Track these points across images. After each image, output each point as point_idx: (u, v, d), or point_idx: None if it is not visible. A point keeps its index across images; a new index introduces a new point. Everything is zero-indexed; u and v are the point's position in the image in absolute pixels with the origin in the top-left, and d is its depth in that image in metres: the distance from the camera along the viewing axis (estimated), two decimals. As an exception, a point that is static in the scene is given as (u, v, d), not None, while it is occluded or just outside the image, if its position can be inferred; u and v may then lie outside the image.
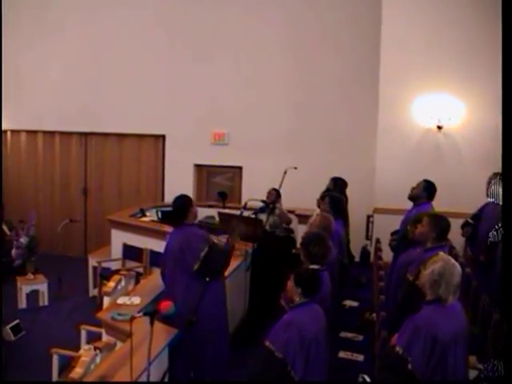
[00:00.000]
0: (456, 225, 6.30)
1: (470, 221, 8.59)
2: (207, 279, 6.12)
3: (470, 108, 10.63)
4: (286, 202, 9.80)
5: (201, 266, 6.32)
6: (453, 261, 4.60)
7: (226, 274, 7.04)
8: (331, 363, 5.62)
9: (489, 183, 7.90)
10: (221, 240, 6.93)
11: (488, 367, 6.05)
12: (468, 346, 4.71)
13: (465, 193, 10.27)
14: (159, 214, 10.67)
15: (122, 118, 12.92)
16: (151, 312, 4.72)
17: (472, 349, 5.87)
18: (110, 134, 13.26)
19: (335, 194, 8.39)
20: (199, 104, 12.52)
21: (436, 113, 10.62)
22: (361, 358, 6.53)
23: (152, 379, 4.81)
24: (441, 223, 6.02)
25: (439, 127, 10.66)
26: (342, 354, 6.57)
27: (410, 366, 4.34)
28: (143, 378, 4.74)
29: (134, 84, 12.77)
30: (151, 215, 11.20)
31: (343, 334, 7.16)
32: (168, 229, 8.24)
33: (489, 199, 8.04)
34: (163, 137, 12.99)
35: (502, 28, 4.01)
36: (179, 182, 12.48)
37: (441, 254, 4.83)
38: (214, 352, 6.52)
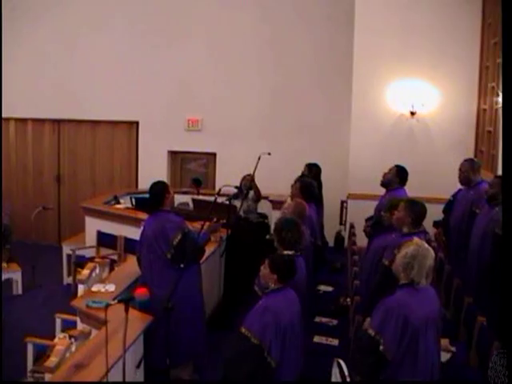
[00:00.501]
0: (429, 210, 6.34)
1: (439, 220, 8.70)
2: (182, 266, 6.13)
3: (444, 94, 10.68)
4: (260, 188, 9.83)
5: (174, 253, 6.34)
6: (426, 245, 4.64)
7: (201, 260, 7.07)
8: (306, 348, 5.65)
9: (461, 169, 7.96)
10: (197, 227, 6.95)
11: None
12: (441, 329, 4.76)
13: (438, 178, 10.34)
14: (133, 200, 10.64)
15: (96, 104, 12.83)
16: (126, 299, 4.72)
17: (445, 332, 5.96)
18: (83, 121, 13.17)
19: (306, 180, 8.42)
20: (173, 90, 12.50)
21: (409, 99, 10.66)
22: (335, 342, 6.55)
23: (128, 366, 4.81)
24: (417, 208, 6.08)
25: (412, 113, 10.70)
26: (316, 339, 6.58)
27: (381, 348, 4.38)
28: (119, 366, 4.74)
29: (107, 70, 12.70)
30: (125, 202, 11.16)
31: (318, 319, 7.17)
32: (142, 216, 8.23)
33: (461, 185, 8.11)
34: (137, 123, 12.95)
35: (502, 25, 4.01)
36: (153, 168, 12.46)
37: (415, 238, 4.87)
38: (189, 338, 6.56)
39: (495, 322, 6.08)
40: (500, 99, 9.17)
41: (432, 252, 4.58)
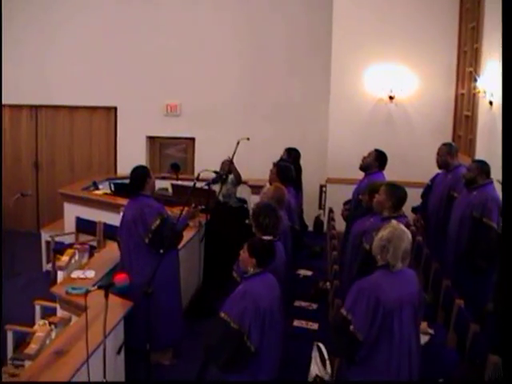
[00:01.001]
0: (407, 194, 6.37)
1: (417, 206, 8.78)
2: (161, 251, 6.13)
3: (422, 79, 10.74)
4: (240, 173, 9.84)
5: (152, 238, 6.36)
6: (403, 227, 4.65)
7: (180, 245, 7.09)
8: (286, 332, 5.68)
9: (439, 153, 8.00)
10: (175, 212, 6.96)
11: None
12: (422, 312, 4.79)
13: (416, 163, 10.41)
14: (112, 186, 10.61)
15: (73, 90, 12.73)
16: (106, 285, 4.71)
17: (423, 314, 6.01)
18: (61, 107, 13.08)
19: (283, 164, 8.43)
20: (151, 75, 12.44)
21: (388, 83, 10.69)
22: (315, 326, 6.59)
23: (108, 352, 4.82)
24: (398, 192, 6.09)
25: (391, 98, 10.74)
26: (296, 323, 6.62)
27: (351, 327, 4.39)
28: (99, 352, 4.74)
29: (84, 56, 12.58)
30: (104, 188, 11.13)
31: (298, 303, 7.21)
32: (122, 201, 8.21)
33: (439, 169, 8.16)
34: (115, 109, 12.87)
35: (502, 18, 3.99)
36: (132, 154, 12.39)
37: (392, 221, 4.89)
38: (167, 324, 6.58)
39: (472, 304, 6.17)
40: (478, 84, 9.22)
41: (409, 235, 4.60)
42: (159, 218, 6.44)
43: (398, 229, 4.57)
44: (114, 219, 8.34)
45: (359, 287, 4.53)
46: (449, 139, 10.30)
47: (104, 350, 4.63)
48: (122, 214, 6.91)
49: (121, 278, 4.90)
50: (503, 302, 3.00)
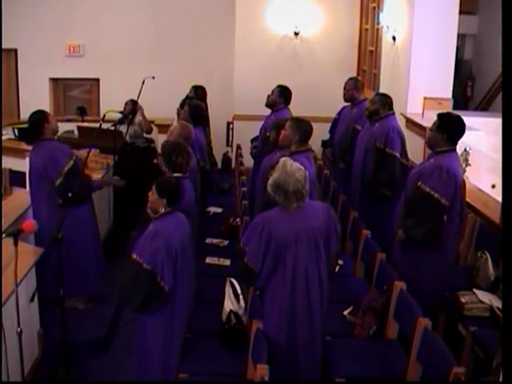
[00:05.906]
0: (315, 129, 6.43)
1: (327, 140, 8.92)
2: (69, 195, 6.03)
3: (327, 14, 10.83)
4: (146, 113, 9.75)
5: (63, 181, 6.22)
6: (289, 168, 4.65)
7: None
8: (199, 270, 5.75)
9: (345, 87, 8.10)
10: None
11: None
12: (332, 243, 4.88)
13: (322, 98, 10.56)
14: (16, 131, 10.33)
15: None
16: (15, 232, 4.63)
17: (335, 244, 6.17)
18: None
19: (194, 102, 8.34)
20: (51, 15, 12.02)
21: (292, 19, 10.72)
22: (227, 262, 6.68)
23: (21, 301, 4.77)
24: (303, 126, 6.13)
25: (296, 33, 10.77)
26: (209, 260, 6.69)
27: (245, 259, 4.63)
28: (12, 300, 4.68)
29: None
30: (7, 133, 10.82)
31: (209, 240, 7.27)
32: (27, 147, 8.02)
33: (345, 103, 8.28)
34: (15, 51, 12.43)
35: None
36: (35, 97, 12.01)
37: (282, 161, 4.87)
38: (82, 268, 6.52)
39: (378, 233, 6.40)
40: (381, 19, 9.37)
41: (297, 174, 4.60)
42: (72, 160, 6.31)
43: (284, 173, 4.59)
44: (20, 165, 8.17)
45: (254, 222, 4.74)
46: (354, 74, 10.46)
47: (17, 298, 4.58)
48: (28, 161, 6.71)
49: (29, 225, 4.83)
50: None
